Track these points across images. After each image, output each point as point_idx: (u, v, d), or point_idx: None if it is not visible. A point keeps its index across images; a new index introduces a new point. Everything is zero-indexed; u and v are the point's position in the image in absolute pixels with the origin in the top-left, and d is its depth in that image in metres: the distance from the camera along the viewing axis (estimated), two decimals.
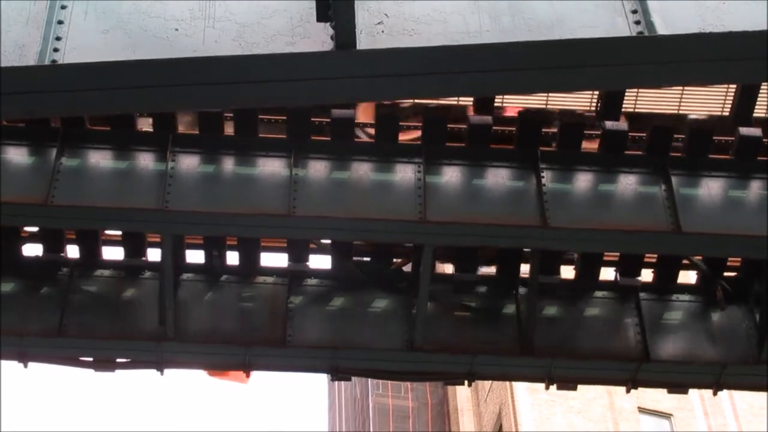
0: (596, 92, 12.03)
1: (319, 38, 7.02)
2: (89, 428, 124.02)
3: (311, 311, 12.61)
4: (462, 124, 11.88)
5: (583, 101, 12.25)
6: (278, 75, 7.20)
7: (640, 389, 13.35)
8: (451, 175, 11.45)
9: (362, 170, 11.42)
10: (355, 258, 12.96)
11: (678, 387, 13.54)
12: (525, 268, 12.77)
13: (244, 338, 12.44)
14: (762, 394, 30.49)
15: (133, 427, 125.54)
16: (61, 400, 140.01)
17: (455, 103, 12.23)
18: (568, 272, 13.22)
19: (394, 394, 45.20)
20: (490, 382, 36.22)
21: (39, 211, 10.92)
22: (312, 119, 11.71)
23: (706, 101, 12.35)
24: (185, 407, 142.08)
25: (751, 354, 12.72)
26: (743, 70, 7.45)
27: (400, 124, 11.79)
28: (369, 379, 40.67)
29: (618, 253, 13.05)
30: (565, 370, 12.88)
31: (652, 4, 7.18)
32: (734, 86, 11.94)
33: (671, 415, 34.60)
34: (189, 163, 11.29)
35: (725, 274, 13.22)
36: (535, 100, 12.33)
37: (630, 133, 11.84)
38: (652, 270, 13.26)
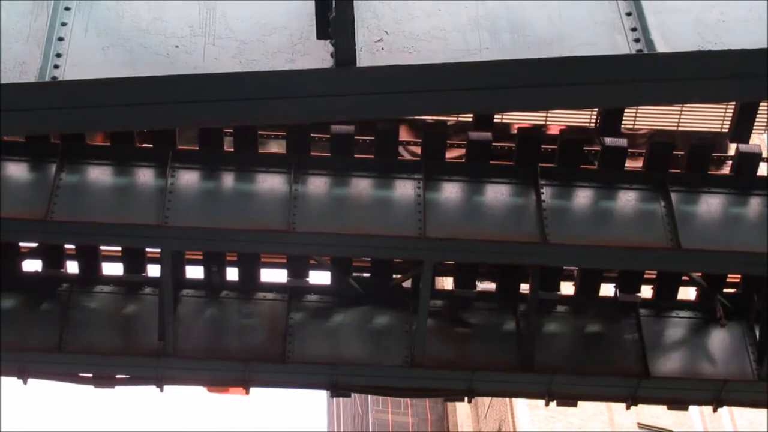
0: (596, 109, 12.05)
1: (319, 55, 7.03)
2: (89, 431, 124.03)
3: (311, 327, 12.60)
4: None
5: (582, 118, 12.28)
6: (278, 92, 7.20)
7: (640, 405, 13.32)
8: (450, 191, 11.46)
9: (362, 186, 11.43)
10: (354, 274, 12.96)
11: (678, 403, 13.52)
12: (525, 285, 12.77)
13: (243, 354, 12.43)
14: (762, 411, 30.43)
15: (132, 429, 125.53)
16: (61, 406, 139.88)
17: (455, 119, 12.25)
18: (568, 288, 13.22)
19: (393, 410, 45.10)
20: (490, 398, 36.17)
21: (39, 227, 10.93)
22: (312, 135, 11.74)
23: (705, 118, 12.37)
24: (184, 415, 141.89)
25: (751, 370, 12.71)
26: (742, 87, 7.45)
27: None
28: (369, 396, 40.61)
29: (618, 270, 13.05)
30: (565, 386, 12.87)
31: (652, 22, 7.18)
32: (733, 104, 11.95)
33: (671, 431, 34.54)
34: (189, 178, 11.30)
35: (725, 290, 13.22)
36: (535, 117, 12.35)
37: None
38: (652, 286, 13.26)
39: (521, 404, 34.08)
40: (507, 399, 34.01)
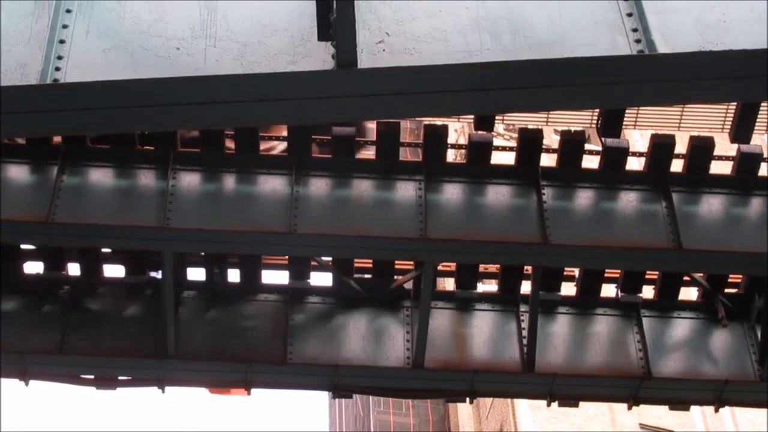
0: (597, 109, 12.05)
1: (320, 57, 7.02)
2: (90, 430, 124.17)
3: (312, 329, 12.61)
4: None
5: (583, 118, 12.29)
6: (279, 94, 7.20)
7: (641, 406, 13.33)
8: (451, 193, 11.47)
9: (363, 187, 11.44)
10: (356, 275, 12.96)
11: (680, 404, 13.52)
12: (526, 285, 12.77)
13: (244, 356, 12.43)
14: (764, 411, 30.42)
15: (133, 428, 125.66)
16: (61, 405, 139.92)
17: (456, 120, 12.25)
18: (569, 289, 13.22)
19: (395, 411, 45.12)
20: (492, 399, 36.16)
21: (40, 229, 10.93)
22: (313, 137, 11.75)
23: (706, 118, 12.38)
24: (186, 415, 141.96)
25: (753, 371, 12.72)
26: (743, 88, 7.45)
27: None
28: (370, 397, 40.61)
29: (619, 270, 13.05)
30: (567, 387, 12.87)
31: (653, 22, 7.18)
32: (734, 104, 11.96)
33: None
34: (190, 180, 11.31)
35: (726, 290, 13.22)
36: (536, 118, 12.36)
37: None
38: (654, 287, 13.27)
39: (523, 405, 34.08)
40: (509, 399, 34.01)
